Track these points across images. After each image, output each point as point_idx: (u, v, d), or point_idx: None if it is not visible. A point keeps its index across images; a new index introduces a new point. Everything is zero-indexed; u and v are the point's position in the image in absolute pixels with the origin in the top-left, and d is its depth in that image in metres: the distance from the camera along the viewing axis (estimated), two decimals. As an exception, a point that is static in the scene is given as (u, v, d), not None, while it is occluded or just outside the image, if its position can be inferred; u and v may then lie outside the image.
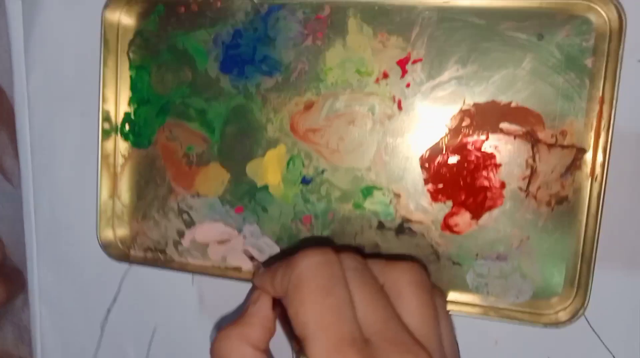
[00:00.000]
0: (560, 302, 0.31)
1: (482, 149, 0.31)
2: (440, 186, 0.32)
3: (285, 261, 0.26)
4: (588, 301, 0.29)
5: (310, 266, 0.25)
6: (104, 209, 0.36)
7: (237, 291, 0.35)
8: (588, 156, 0.30)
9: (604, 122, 0.29)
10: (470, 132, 0.31)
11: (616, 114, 0.28)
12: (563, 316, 0.30)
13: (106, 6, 0.35)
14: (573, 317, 0.30)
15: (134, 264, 0.37)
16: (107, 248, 0.36)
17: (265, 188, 0.34)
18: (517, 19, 0.30)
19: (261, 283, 0.28)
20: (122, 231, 0.37)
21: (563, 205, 0.30)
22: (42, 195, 0.38)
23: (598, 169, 0.29)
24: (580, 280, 0.30)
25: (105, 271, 0.37)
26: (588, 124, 0.30)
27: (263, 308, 0.27)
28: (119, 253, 0.37)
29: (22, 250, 0.40)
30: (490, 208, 0.31)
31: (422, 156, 0.32)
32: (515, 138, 0.30)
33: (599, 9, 0.29)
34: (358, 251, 0.29)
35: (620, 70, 0.28)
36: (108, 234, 0.36)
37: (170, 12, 0.35)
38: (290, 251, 0.34)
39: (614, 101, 0.28)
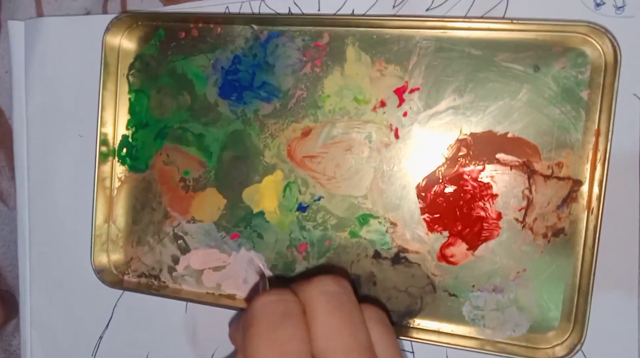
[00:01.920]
0: (557, 336, 0.33)
1: (479, 179, 0.34)
2: (437, 215, 0.35)
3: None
4: (585, 336, 0.32)
5: (262, 305, 0.27)
6: (98, 233, 0.39)
7: (233, 317, 0.38)
8: (584, 188, 0.33)
9: (599, 155, 0.32)
10: (467, 162, 0.34)
11: (612, 147, 0.31)
12: (560, 351, 0.33)
13: (107, 30, 0.38)
14: (570, 352, 0.32)
15: (128, 290, 0.40)
16: (101, 273, 0.39)
17: (262, 214, 0.37)
18: (513, 51, 0.33)
19: (232, 337, 0.30)
20: (117, 256, 0.40)
21: (559, 237, 0.33)
22: (38, 218, 0.42)
23: (594, 202, 0.32)
24: (577, 314, 0.33)
25: (99, 297, 0.41)
26: (584, 156, 0.32)
27: None
28: (113, 278, 0.40)
29: (16, 273, 0.43)
30: (486, 239, 0.34)
31: (418, 185, 0.35)
32: (511, 168, 0.33)
33: (595, 42, 0.32)
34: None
35: (615, 103, 0.31)
36: (102, 259, 0.40)
37: (170, 37, 0.39)
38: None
39: (610, 134, 0.31)
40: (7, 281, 0.44)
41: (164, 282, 0.40)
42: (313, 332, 0.26)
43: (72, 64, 0.41)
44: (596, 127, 0.32)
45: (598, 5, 0.32)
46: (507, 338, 0.34)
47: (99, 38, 0.38)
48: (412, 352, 0.36)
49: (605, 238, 0.32)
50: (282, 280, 0.37)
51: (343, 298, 0.27)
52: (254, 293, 0.38)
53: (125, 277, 0.40)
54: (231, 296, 0.38)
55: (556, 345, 0.33)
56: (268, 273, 0.37)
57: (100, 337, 0.41)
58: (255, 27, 0.37)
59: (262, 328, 0.26)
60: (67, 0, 0.41)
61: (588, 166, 0.32)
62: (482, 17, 0.33)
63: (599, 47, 0.32)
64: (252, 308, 0.27)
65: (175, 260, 0.39)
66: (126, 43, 0.39)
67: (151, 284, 0.40)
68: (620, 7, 0.32)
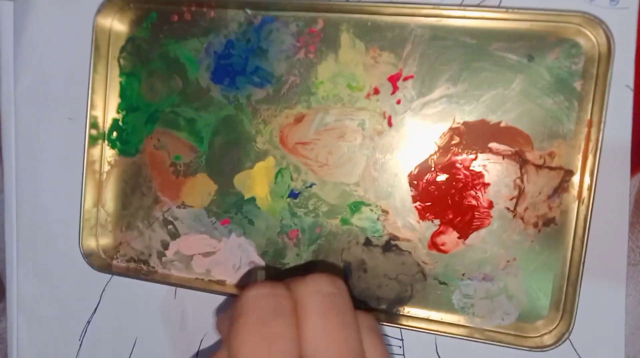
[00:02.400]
0: (546, 325, 0.33)
1: (471, 168, 0.34)
2: (428, 204, 0.35)
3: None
4: (573, 325, 0.32)
5: (253, 298, 0.26)
6: (87, 217, 0.39)
7: (221, 305, 0.38)
8: (576, 178, 0.33)
9: (591, 146, 0.32)
10: (460, 150, 0.34)
11: (604, 138, 0.31)
12: (548, 340, 0.33)
13: (98, 12, 0.38)
14: (558, 340, 0.33)
15: (116, 275, 0.39)
16: (89, 257, 0.39)
17: (253, 200, 0.37)
18: (507, 40, 0.33)
19: (219, 327, 0.29)
20: (105, 241, 0.40)
21: (550, 227, 0.33)
22: (25, 201, 0.41)
23: (585, 192, 0.32)
24: (565, 303, 0.33)
25: (87, 281, 0.40)
26: (576, 146, 0.33)
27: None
28: (101, 263, 0.39)
29: (2, 256, 0.43)
30: (477, 228, 0.34)
31: (410, 173, 0.35)
32: (503, 158, 0.33)
33: (589, 33, 0.32)
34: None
35: (608, 94, 0.31)
36: (91, 243, 0.39)
37: (163, 20, 0.38)
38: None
39: (602, 125, 0.31)
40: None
41: (153, 267, 0.39)
42: (303, 332, 0.25)
43: (62, 45, 0.40)
44: (589, 117, 0.32)
45: (593, -5, 0.32)
46: (496, 327, 0.34)
47: (89, 19, 0.38)
48: (402, 339, 0.36)
49: (595, 228, 0.32)
50: (273, 271, 0.37)
51: (338, 300, 0.27)
52: (245, 280, 0.38)
53: (114, 262, 0.40)
54: (221, 282, 0.38)
55: (544, 334, 0.33)
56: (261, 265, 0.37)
57: (88, 322, 0.41)
58: (249, 11, 0.36)
59: (251, 323, 0.25)
60: (57, -20, 0.40)
61: (580, 157, 0.33)
62: (477, 6, 0.33)
63: (592, 38, 0.32)
64: (242, 300, 0.26)
65: (165, 245, 0.39)
66: (117, 25, 0.39)
67: (140, 269, 0.39)
68: (614, -2, 0.32)
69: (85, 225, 0.39)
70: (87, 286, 0.40)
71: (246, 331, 0.25)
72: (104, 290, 0.40)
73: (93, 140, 0.39)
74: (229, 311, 0.28)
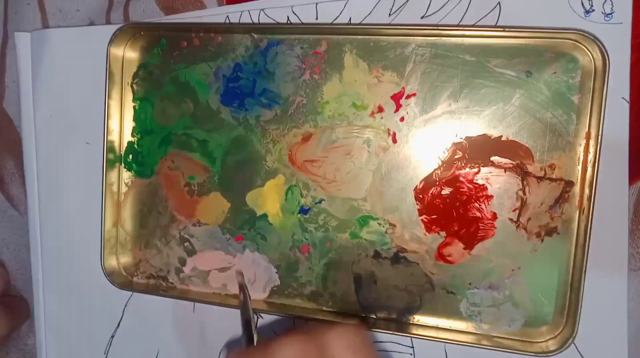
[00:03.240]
0: (551, 331, 0.35)
1: (474, 181, 0.35)
2: (434, 216, 0.36)
3: (263, 346, 0.28)
4: (577, 330, 0.33)
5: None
6: (108, 237, 0.41)
7: (237, 319, 0.39)
8: (576, 189, 0.34)
9: (590, 157, 0.33)
10: (463, 165, 0.35)
11: (602, 149, 0.32)
12: (553, 344, 0.34)
13: (111, 41, 0.39)
14: (563, 345, 0.34)
15: (137, 291, 0.41)
16: (111, 275, 0.41)
17: (265, 216, 0.38)
18: (506, 57, 0.34)
19: None
20: (126, 259, 0.41)
21: (552, 236, 0.34)
22: (48, 223, 0.43)
23: (585, 202, 0.33)
24: (569, 309, 0.34)
25: (109, 298, 0.42)
26: (575, 158, 0.33)
27: None
28: (123, 280, 0.41)
29: (26, 276, 0.44)
30: (482, 239, 0.35)
31: (416, 187, 0.36)
32: (505, 170, 0.34)
33: (584, 48, 0.33)
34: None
35: (605, 106, 0.32)
36: (112, 262, 0.41)
37: (172, 46, 0.39)
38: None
39: (600, 137, 0.32)
40: (17, 284, 0.45)
41: (172, 283, 0.41)
42: None
43: (77, 73, 0.42)
44: (587, 130, 0.33)
45: (587, 12, 0.33)
46: (503, 333, 0.35)
47: (103, 48, 0.39)
48: (412, 347, 0.37)
49: (596, 236, 0.33)
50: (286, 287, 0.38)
51: (365, 350, 0.28)
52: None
53: (135, 279, 0.41)
54: (237, 296, 0.40)
55: (550, 339, 0.34)
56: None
57: (112, 336, 0.43)
58: (255, 35, 0.38)
59: None
60: (71, 11, 0.42)
61: (579, 168, 0.33)
62: (474, 26, 0.34)
63: (588, 53, 0.33)
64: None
65: (182, 262, 0.40)
66: (130, 53, 0.40)
67: (159, 285, 0.41)
68: (608, 14, 0.32)
69: (106, 244, 0.41)
70: (110, 303, 0.42)
71: None
72: (126, 305, 0.42)
73: (110, 163, 0.40)
74: (248, 353, 0.29)
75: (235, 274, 0.39)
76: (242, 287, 0.36)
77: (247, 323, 0.34)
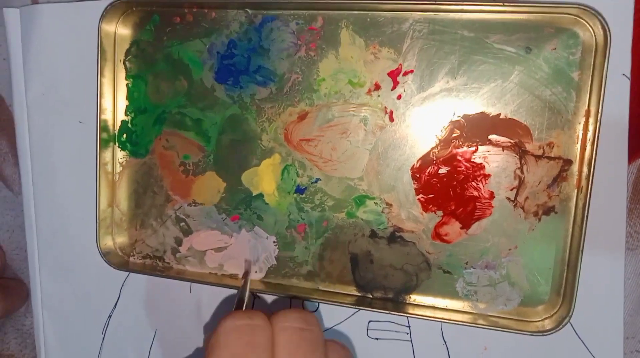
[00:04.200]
0: (547, 310, 0.34)
1: (472, 160, 0.34)
2: (431, 196, 0.35)
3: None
4: (573, 309, 0.33)
5: (227, 332, 0.25)
6: (103, 217, 0.40)
7: (234, 297, 0.39)
8: (574, 167, 0.33)
9: (589, 135, 0.32)
10: (460, 143, 0.34)
11: (601, 127, 0.32)
12: (549, 324, 0.34)
13: (103, 17, 0.38)
14: (559, 324, 0.33)
15: (133, 272, 0.41)
16: (107, 255, 0.40)
17: (261, 196, 0.38)
18: (505, 32, 0.33)
19: (205, 344, 0.29)
20: (121, 239, 0.41)
21: (550, 215, 0.34)
22: (43, 203, 0.43)
23: (584, 181, 0.32)
24: (566, 288, 0.34)
25: (106, 278, 0.42)
26: (574, 136, 0.33)
27: None
28: (119, 260, 0.41)
29: (22, 257, 0.44)
30: (479, 218, 0.35)
31: (413, 166, 0.35)
32: (503, 149, 0.34)
33: (586, 23, 0.32)
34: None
35: (605, 84, 0.31)
36: (108, 242, 0.41)
37: (165, 22, 0.38)
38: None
39: (599, 114, 0.31)
40: (13, 265, 0.45)
41: (168, 263, 0.41)
42: None
43: (68, 50, 0.41)
44: (586, 107, 0.32)
45: (589, -14, 0.32)
46: (499, 312, 0.35)
47: (94, 24, 0.38)
48: (409, 326, 0.37)
49: (593, 215, 0.32)
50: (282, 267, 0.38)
51: (306, 336, 0.26)
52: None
53: (131, 259, 0.41)
54: (233, 276, 0.39)
55: (546, 318, 0.34)
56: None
57: (110, 316, 0.42)
58: (249, 11, 0.37)
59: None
60: (61, -14, 0.41)
61: (578, 146, 0.33)
62: (473, 0, 0.33)
63: (589, 28, 0.32)
64: (217, 331, 0.26)
65: (178, 242, 0.40)
66: (122, 29, 0.39)
67: (156, 265, 0.41)
68: (611, -12, 0.32)
69: (101, 224, 0.40)
70: (107, 283, 0.42)
71: None
72: (122, 285, 0.42)
73: (104, 143, 0.40)
74: (206, 340, 0.28)
75: (244, 262, 0.38)
76: (246, 273, 0.37)
77: (239, 301, 0.34)
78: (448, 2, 0.33)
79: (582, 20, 0.32)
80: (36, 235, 0.43)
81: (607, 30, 0.31)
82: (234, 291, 0.39)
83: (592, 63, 0.32)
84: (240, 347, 0.25)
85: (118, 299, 0.42)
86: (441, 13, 0.34)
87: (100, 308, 0.42)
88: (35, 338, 0.44)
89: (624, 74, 0.32)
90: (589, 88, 0.32)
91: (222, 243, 0.39)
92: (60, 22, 0.40)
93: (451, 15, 0.34)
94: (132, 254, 0.41)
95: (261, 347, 0.25)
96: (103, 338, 0.43)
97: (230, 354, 0.25)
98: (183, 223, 0.40)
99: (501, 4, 0.32)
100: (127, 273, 0.41)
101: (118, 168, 0.40)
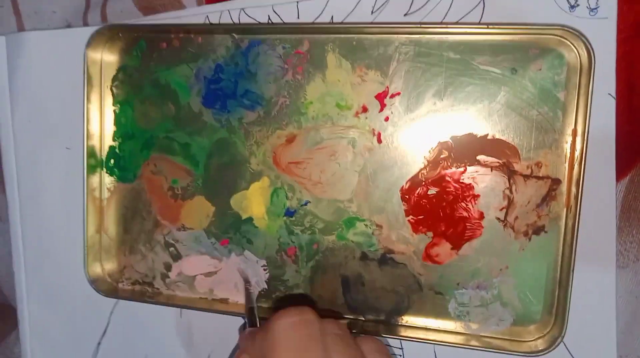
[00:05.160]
0: (540, 330, 0.34)
1: (461, 181, 0.34)
2: (421, 217, 0.35)
3: (265, 323, 0.28)
4: (566, 329, 0.32)
5: (286, 327, 0.27)
6: (91, 243, 0.39)
7: (224, 323, 0.38)
8: (563, 187, 0.32)
9: (577, 154, 0.32)
10: (449, 164, 0.34)
11: (588, 146, 0.31)
12: (542, 344, 0.33)
13: (89, 44, 0.37)
14: (552, 344, 0.33)
15: (122, 298, 0.40)
16: (95, 282, 0.39)
17: (250, 220, 0.37)
18: (490, 54, 0.33)
19: (243, 346, 0.30)
20: (110, 265, 0.40)
21: (540, 235, 0.33)
22: (31, 230, 0.41)
23: (572, 200, 0.32)
24: (558, 307, 0.33)
25: (95, 305, 0.40)
26: (562, 155, 0.32)
27: None
28: (108, 287, 0.40)
29: (11, 283, 0.43)
30: (469, 238, 0.34)
31: (402, 187, 0.35)
32: (492, 169, 0.33)
33: (570, 44, 0.31)
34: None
35: (591, 103, 0.31)
36: (96, 268, 0.39)
37: (152, 47, 0.38)
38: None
39: (586, 133, 0.31)
40: (2, 291, 0.44)
41: (158, 289, 0.39)
42: None
43: (55, 77, 0.40)
44: (573, 127, 0.32)
45: (572, 7, 0.32)
46: (492, 333, 0.34)
47: (80, 51, 0.38)
48: (402, 348, 0.36)
49: (583, 234, 0.32)
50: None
51: (348, 340, 0.28)
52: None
53: (120, 285, 0.40)
54: (224, 301, 0.38)
55: (539, 338, 0.34)
56: (254, 285, 0.37)
57: (99, 343, 0.41)
58: (235, 36, 0.36)
59: (288, 354, 0.26)
60: (47, 13, 0.40)
61: (566, 165, 0.32)
62: (457, 23, 0.33)
63: (574, 49, 0.31)
64: (274, 330, 0.27)
65: (168, 267, 0.39)
66: (108, 55, 0.38)
67: (145, 291, 0.40)
68: (593, 9, 0.31)
69: (89, 251, 0.39)
70: (96, 310, 0.41)
71: None
72: (112, 312, 0.41)
73: (92, 168, 0.39)
74: (259, 337, 0.28)
75: (239, 271, 0.37)
76: (246, 280, 0.36)
77: (250, 310, 0.34)
78: (433, 25, 0.33)
79: (566, 41, 0.32)
80: (24, 262, 0.42)
81: (591, 50, 0.31)
82: (225, 316, 0.38)
83: (577, 83, 0.32)
84: (300, 340, 0.26)
85: (107, 326, 0.41)
86: (426, 35, 0.33)
87: (90, 335, 0.41)
88: (24, 368, 0.43)
89: (609, 94, 0.32)
90: (575, 108, 0.32)
91: (212, 268, 0.38)
92: (46, 48, 0.40)
93: (436, 37, 0.33)
94: (120, 280, 0.40)
95: (317, 340, 0.26)
96: (93, 366, 0.42)
97: (293, 349, 0.26)
98: (172, 248, 0.39)
99: (486, 26, 0.32)
100: (117, 299, 0.40)
101: (106, 194, 0.40)
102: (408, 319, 0.36)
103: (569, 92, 0.32)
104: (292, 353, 0.26)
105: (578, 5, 0.31)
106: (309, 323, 0.27)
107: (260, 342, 0.28)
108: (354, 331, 0.35)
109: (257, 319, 0.35)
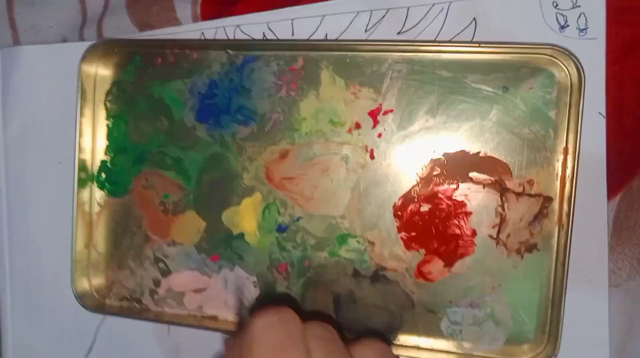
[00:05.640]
0: (533, 349, 0.33)
1: (453, 198, 0.33)
2: (413, 234, 0.34)
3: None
4: (559, 348, 0.32)
5: (264, 326, 0.25)
6: (79, 258, 0.38)
7: (213, 341, 0.37)
8: (555, 204, 0.32)
9: (568, 172, 0.32)
10: (441, 181, 0.34)
11: (580, 164, 0.31)
12: (536, 363, 0.32)
13: (83, 58, 0.37)
14: (545, 363, 0.32)
15: (109, 314, 0.38)
16: (82, 298, 0.38)
17: (242, 236, 0.36)
18: (482, 72, 0.33)
19: (228, 353, 0.29)
20: (98, 281, 0.39)
21: (532, 253, 0.33)
22: (17, 244, 0.40)
23: (564, 218, 0.32)
24: (551, 326, 0.32)
25: (80, 322, 0.39)
26: (554, 173, 0.32)
27: None
28: (95, 303, 0.38)
29: (-5, 299, 0.42)
30: (462, 256, 0.34)
31: (395, 204, 0.34)
32: (484, 186, 0.33)
33: (560, 63, 0.32)
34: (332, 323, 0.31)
35: (582, 122, 0.31)
36: (83, 284, 0.38)
37: (147, 62, 0.38)
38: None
39: (577, 152, 0.31)
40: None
41: (146, 305, 0.38)
42: None
43: (49, 91, 0.39)
44: (564, 145, 0.32)
45: (562, 27, 0.32)
46: (485, 352, 0.34)
47: (75, 65, 0.37)
48: (393, 368, 0.36)
49: (575, 252, 0.31)
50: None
51: (335, 344, 0.27)
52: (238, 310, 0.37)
53: (107, 301, 0.39)
54: (213, 318, 0.37)
55: (532, 357, 0.33)
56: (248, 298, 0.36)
57: (84, 361, 0.40)
58: (230, 52, 0.36)
59: (265, 354, 0.25)
60: (44, 27, 0.40)
61: (558, 183, 0.32)
62: (450, 41, 0.33)
63: (564, 68, 0.32)
64: (251, 329, 0.26)
65: (157, 283, 0.38)
66: (102, 70, 0.38)
67: (133, 307, 0.38)
68: (583, 29, 0.32)
69: (77, 266, 0.38)
70: (81, 326, 0.39)
71: None
72: (98, 329, 0.39)
73: (82, 182, 0.38)
74: (238, 341, 0.27)
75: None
76: (238, 292, 0.36)
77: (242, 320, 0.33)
78: (426, 43, 0.33)
79: (557, 61, 0.32)
80: (9, 275, 0.41)
81: (581, 70, 0.31)
82: (214, 333, 0.37)
83: (568, 102, 0.32)
84: (278, 340, 0.25)
85: (93, 343, 0.40)
86: (420, 54, 0.34)
87: (75, 352, 0.40)
88: (5, 387, 0.41)
89: (599, 112, 0.32)
90: (566, 126, 0.32)
91: (202, 284, 0.37)
92: (41, 63, 0.39)
93: (429, 55, 0.33)
94: (108, 296, 0.39)
95: (297, 340, 0.25)
96: (77, 385, 0.40)
97: (272, 348, 0.25)
98: (162, 264, 0.38)
99: (477, 45, 0.32)
100: (103, 315, 0.39)
101: (96, 208, 0.39)
102: (400, 338, 0.35)
103: (559, 111, 0.32)
104: (270, 352, 0.25)
105: (568, 25, 0.32)
106: (289, 323, 0.26)
107: (239, 342, 0.26)
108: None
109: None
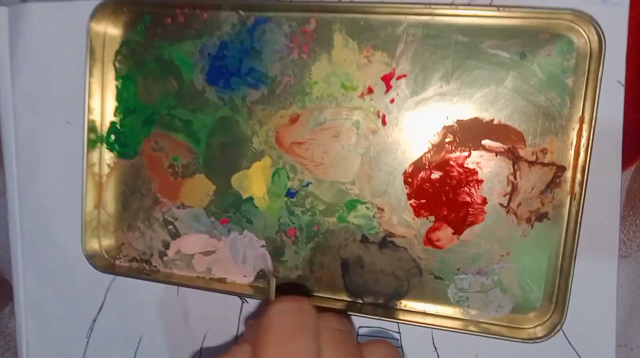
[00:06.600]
0: (539, 317, 0.33)
1: (465, 166, 0.33)
2: (423, 201, 0.33)
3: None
4: (565, 317, 0.31)
5: (280, 312, 0.27)
6: (89, 219, 0.38)
7: (221, 304, 0.37)
8: (568, 174, 0.31)
9: (583, 142, 0.31)
10: (453, 148, 0.33)
11: (595, 134, 0.30)
12: (541, 331, 0.32)
13: (92, 16, 0.36)
14: (551, 332, 0.32)
15: (119, 275, 0.38)
16: (93, 258, 0.38)
17: (251, 200, 0.36)
18: (499, 38, 0.31)
19: (246, 332, 0.31)
20: (108, 242, 0.38)
21: (543, 222, 0.32)
22: (28, 205, 0.40)
23: (577, 188, 0.31)
24: (558, 295, 0.32)
25: (91, 282, 0.39)
26: (568, 142, 0.31)
27: (241, 354, 0.28)
28: (105, 263, 0.38)
29: (7, 257, 0.41)
30: (471, 224, 0.33)
31: (405, 171, 0.33)
32: (496, 154, 0.32)
33: (580, 29, 0.30)
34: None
35: (599, 90, 0.30)
36: (93, 244, 0.38)
37: (156, 22, 0.36)
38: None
39: (593, 121, 0.30)
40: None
41: (155, 266, 0.38)
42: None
43: (57, 50, 0.38)
44: (580, 114, 0.31)
45: (584, -9, 0.30)
46: (490, 319, 0.33)
47: (84, 24, 0.36)
48: (399, 332, 0.35)
49: (586, 222, 0.31)
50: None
51: (346, 336, 0.28)
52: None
53: (117, 262, 0.39)
54: (221, 280, 0.37)
55: (538, 325, 0.32)
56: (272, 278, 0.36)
57: (94, 320, 0.40)
58: (242, 12, 0.35)
59: (276, 338, 0.26)
60: (50, -16, 0.38)
61: (572, 153, 0.31)
62: (468, 4, 0.32)
63: (584, 35, 0.30)
64: (268, 315, 0.28)
65: (166, 245, 0.38)
66: (111, 29, 0.37)
67: (142, 269, 0.38)
68: (606, -6, 0.30)
69: (87, 226, 0.38)
70: (92, 286, 0.39)
71: (272, 346, 0.26)
72: (108, 289, 0.39)
73: (92, 143, 0.37)
74: (256, 324, 0.28)
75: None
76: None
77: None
78: (442, 6, 0.32)
79: (577, 27, 0.30)
80: (20, 236, 0.40)
81: (602, 37, 0.29)
82: (222, 295, 0.37)
83: (586, 69, 0.30)
84: (291, 327, 0.27)
85: (103, 303, 0.39)
86: (435, 17, 0.32)
87: (85, 311, 0.40)
88: (18, 342, 0.41)
89: (618, 81, 0.31)
90: (583, 94, 0.31)
91: (211, 247, 0.37)
92: (49, 21, 0.38)
93: (445, 19, 0.32)
94: (118, 257, 0.39)
95: (309, 329, 0.27)
96: (87, 343, 0.40)
97: (282, 333, 0.26)
98: (171, 226, 0.37)
99: (496, 9, 0.31)
100: (113, 276, 0.39)
101: (106, 170, 0.38)
102: (407, 303, 0.34)
103: (577, 79, 0.31)
104: (281, 338, 0.26)
105: (590, -11, 0.30)
106: (304, 312, 0.27)
107: (256, 324, 0.28)
108: (350, 313, 0.34)
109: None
